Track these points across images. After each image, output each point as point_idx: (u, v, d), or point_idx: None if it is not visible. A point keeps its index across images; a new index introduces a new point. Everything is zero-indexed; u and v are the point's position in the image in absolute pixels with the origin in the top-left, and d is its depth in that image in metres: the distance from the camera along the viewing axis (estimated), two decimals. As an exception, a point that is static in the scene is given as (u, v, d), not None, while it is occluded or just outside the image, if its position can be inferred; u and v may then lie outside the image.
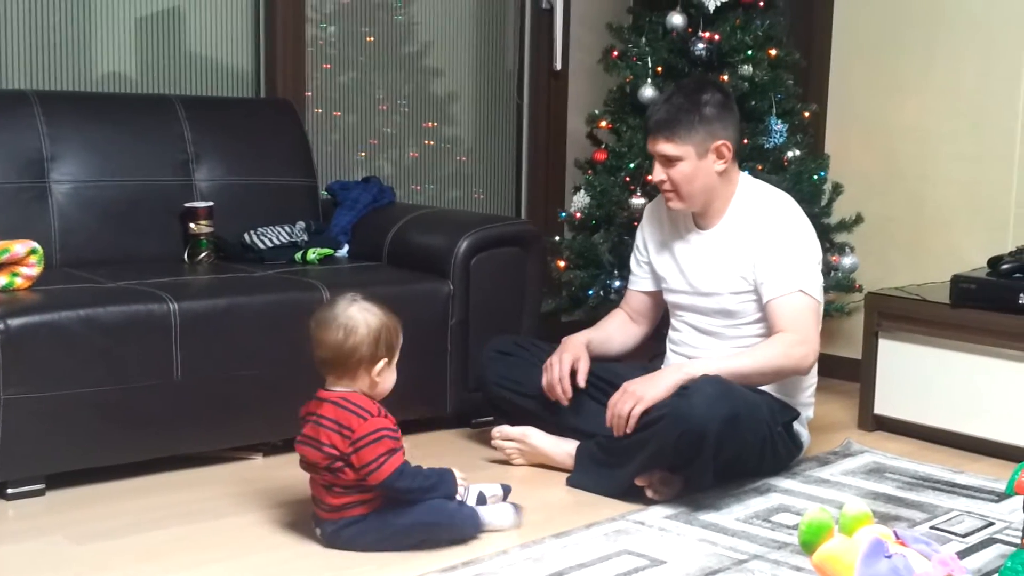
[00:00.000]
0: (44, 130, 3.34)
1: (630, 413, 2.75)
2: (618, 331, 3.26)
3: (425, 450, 3.08)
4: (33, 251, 2.89)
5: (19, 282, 2.87)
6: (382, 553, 2.46)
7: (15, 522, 2.63)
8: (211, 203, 3.51)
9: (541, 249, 3.66)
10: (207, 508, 2.73)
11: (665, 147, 2.94)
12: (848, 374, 3.94)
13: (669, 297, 3.16)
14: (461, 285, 3.40)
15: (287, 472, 2.70)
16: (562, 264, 4.02)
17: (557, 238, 4.13)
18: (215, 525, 2.64)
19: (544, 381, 3.05)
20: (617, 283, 3.80)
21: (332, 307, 2.49)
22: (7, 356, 2.65)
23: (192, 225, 3.48)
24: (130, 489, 2.85)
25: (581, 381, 3.03)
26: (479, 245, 3.44)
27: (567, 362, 3.03)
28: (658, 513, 2.75)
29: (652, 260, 3.19)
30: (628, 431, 2.76)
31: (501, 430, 3.14)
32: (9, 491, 2.73)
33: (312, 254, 3.52)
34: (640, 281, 3.24)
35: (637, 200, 3.76)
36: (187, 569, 2.38)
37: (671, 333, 3.18)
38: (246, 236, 3.55)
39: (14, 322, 2.68)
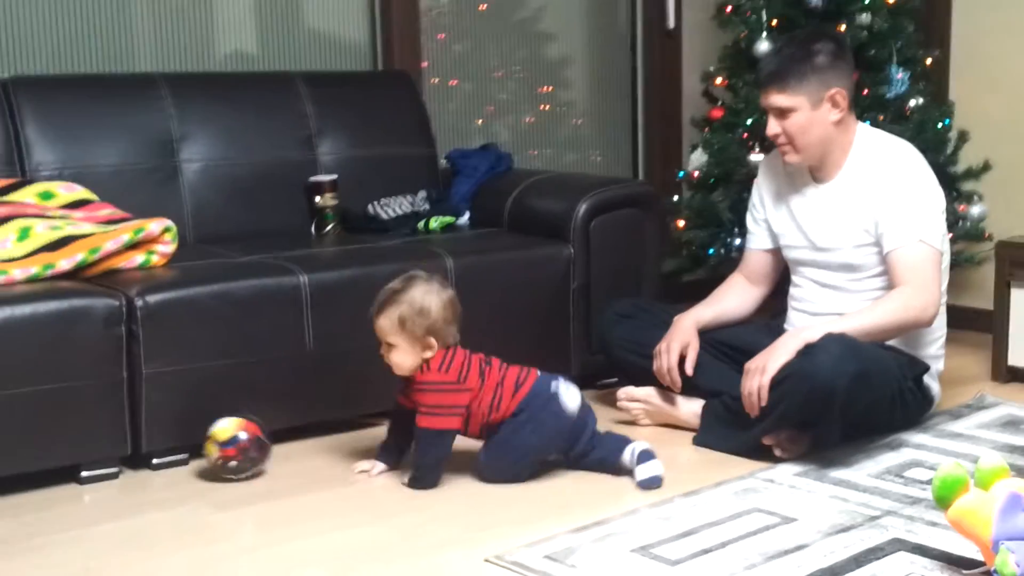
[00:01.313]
0: (173, 112, 3.45)
1: (759, 390, 2.74)
2: (735, 299, 3.21)
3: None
4: (167, 229, 2.99)
5: (155, 259, 2.97)
6: (518, 512, 2.53)
7: (161, 491, 2.74)
8: (335, 176, 3.59)
9: (660, 209, 3.66)
10: (342, 474, 2.80)
11: (778, 98, 2.91)
12: (980, 325, 3.85)
13: (788, 254, 3.12)
14: (581, 248, 3.42)
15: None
16: (681, 224, 4.00)
17: (676, 198, 4.11)
18: (352, 490, 2.71)
19: (654, 368, 3.05)
20: (738, 241, 3.77)
21: (429, 281, 2.71)
22: (147, 331, 2.76)
23: (318, 198, 3.56)
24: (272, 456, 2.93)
25: (689, 369, 3.02)
26: (598, 208, 3.45)
27: (675, 351, 3.02)
28: (788, 471, 2.74)
29: (769, 217, 3.15)
30: (762, 404, 2.74)
31: (626, 391, 3.15)
32: (154, 461, 2.84)
33: (434, 222, 3.58)
34: (758, 239, 3.20)
35: (755, 156, 3.72)
36: (326, 533, 2.46)
37: (792, 290, 3.15)
38: (370, 207, 3.61)
39: (152, 298, 2.78)
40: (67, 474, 2.74)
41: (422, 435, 2.67)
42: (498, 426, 2.71)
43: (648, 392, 3.11)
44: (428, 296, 2.65)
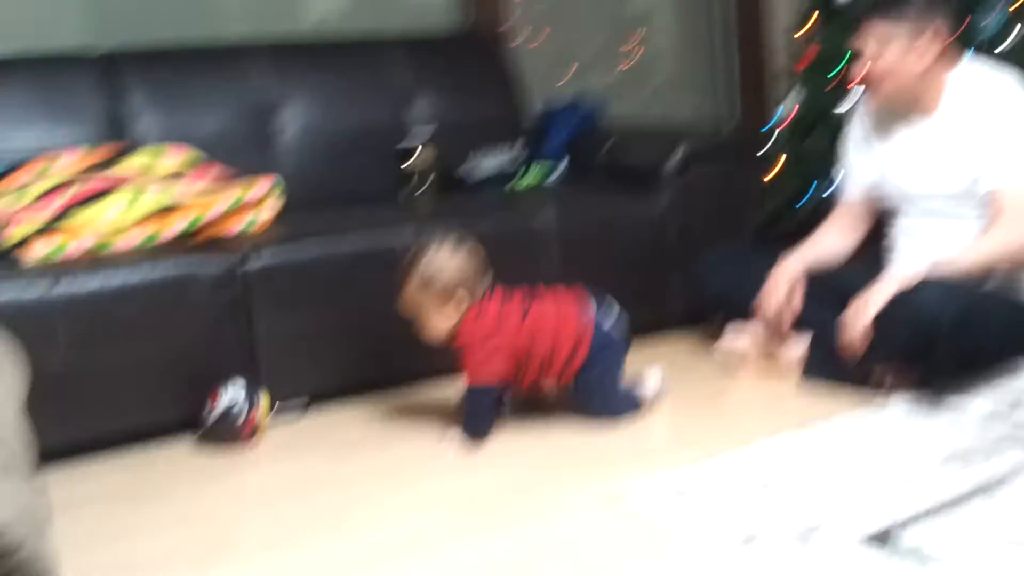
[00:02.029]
0: (272, 80, 3.51)
1: (861, 333, 2.72)
2: (834, 242, 3.19)
3: (652, 355, 3.13)
4: (273, 186, 3.05)
5: (261, 220, 3.04)
6: (633, 449, 2.56)
7: (277, 446, 2.79)
8: (427, 138, 3.61)
9: (752, 159, 3.64)
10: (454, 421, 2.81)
11: (877, 29, 2.88)
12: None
13: (886, 193, 3.09)
14: (676, 199, 3.41)
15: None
16: (775, 172, 3.97)
17: (767, 147, 4.08)
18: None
19: (759, 312, 3.05)
20: (832, 187, 3.73)
21: (440, 243, 2.70)
22: (260, 288, 2.84)
23: (409, 162, 3.59)
24: (380, 407, 2.98)
25: (794, 311, 3.01)
26: (691, 158, 3.45)
27: (781, 293, 3.02)
28: (900, 401, 2.72)
29: (865, 159, 3.12)
30: (864, 347, 2.73)
31: (731, 331, 3.15)
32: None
33: (527, 178, 3.59)
34: (855, 181, 3.17)
35: (847, 102, 3.67)
36: (443, 475, 2.50)
37: (892, 230, 3.11)
38: (461, 168, 3.64)
39: (263, 257, 2.86)
40: (185, 429, 2.82)
41: (471, 393, 2.68)
42: (575, 380, 2.74)
43: (752, 332, 3.10)
44: (440, 258, 2.65)
